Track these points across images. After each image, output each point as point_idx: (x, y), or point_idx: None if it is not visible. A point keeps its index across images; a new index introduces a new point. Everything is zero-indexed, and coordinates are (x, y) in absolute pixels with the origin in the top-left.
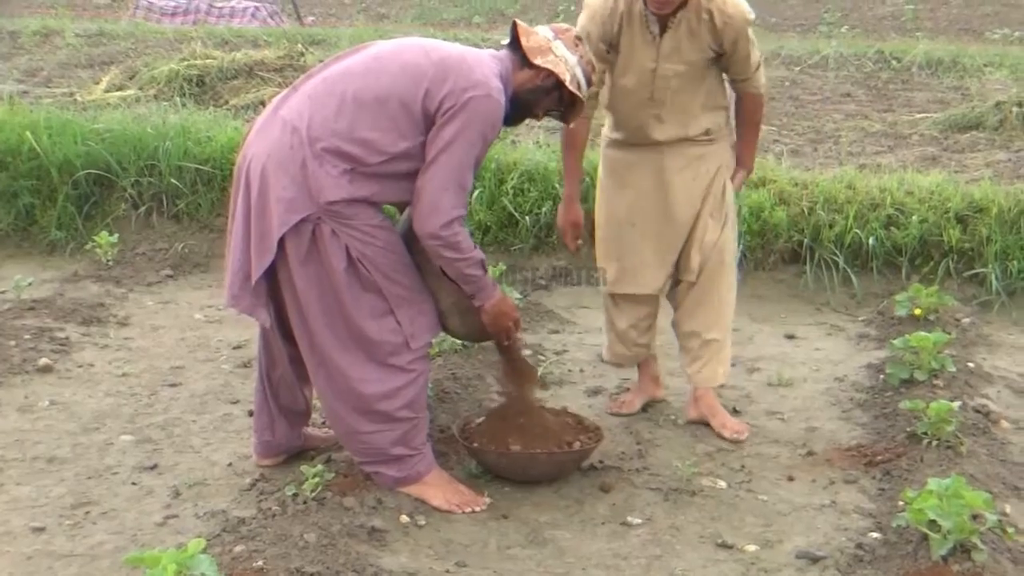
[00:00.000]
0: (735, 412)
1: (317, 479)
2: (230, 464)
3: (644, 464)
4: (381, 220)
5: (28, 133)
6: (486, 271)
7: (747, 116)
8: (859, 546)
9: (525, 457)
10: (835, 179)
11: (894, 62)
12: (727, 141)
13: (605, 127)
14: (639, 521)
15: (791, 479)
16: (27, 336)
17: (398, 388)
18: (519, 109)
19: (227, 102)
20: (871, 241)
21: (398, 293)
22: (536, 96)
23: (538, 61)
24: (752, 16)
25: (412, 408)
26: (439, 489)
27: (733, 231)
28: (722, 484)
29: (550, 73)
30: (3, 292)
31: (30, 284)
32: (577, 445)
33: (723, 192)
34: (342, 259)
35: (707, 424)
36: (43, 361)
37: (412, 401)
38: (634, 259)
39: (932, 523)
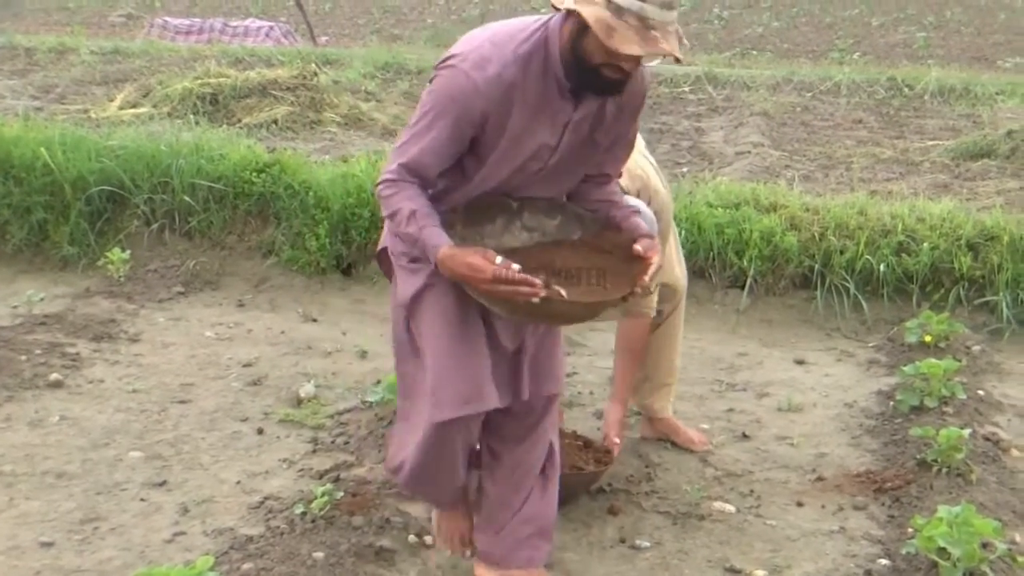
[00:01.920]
0: (744, 437)
1: (326, 498)
2: (239, 482)
3: (653, 487)
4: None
5: (42, 149)
6: (423, 226)
7: (624, 341)
8: (868, 573)
9: None
10: (846, 205)
11: (906, 89)
12: None
13: None
14: (647, 544)
15: (800, 504)
16: (38, 351)
17: (413, 448)
18: (579, 73)
19: (240, 120)
20: (882, 267)
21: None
22: (577, 47)
23: (567, 4)
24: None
25: (420, 477)
26: (444, 530)
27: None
28: (731, 508)
29: (569, 12)
30: (15, 307)
31: (42, 299)
32: (588, 468)
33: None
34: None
35: (671, 441)
36: (54, 376)
37: (425, 468)
38: None
39: (942, 551)
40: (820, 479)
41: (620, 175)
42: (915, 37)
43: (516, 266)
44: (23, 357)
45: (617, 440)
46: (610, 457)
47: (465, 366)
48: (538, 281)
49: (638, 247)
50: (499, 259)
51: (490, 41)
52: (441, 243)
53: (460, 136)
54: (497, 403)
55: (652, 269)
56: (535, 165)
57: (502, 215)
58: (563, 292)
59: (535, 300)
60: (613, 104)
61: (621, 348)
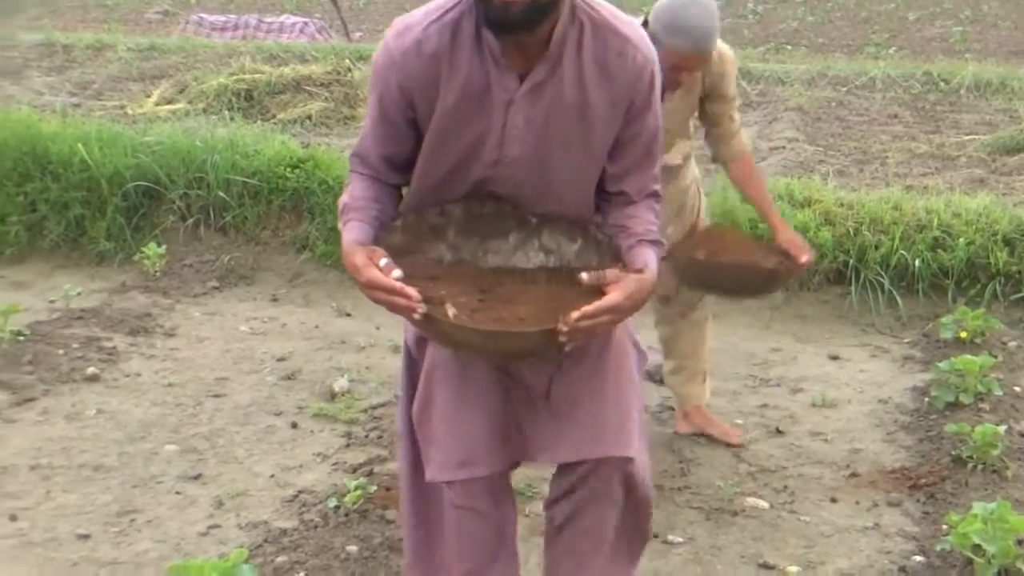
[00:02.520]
0: (778, 432)
1: (359, 491)
2: (272, 475)
3: (686, 483)
4: None
5: (80, 145)
6: (346, 220)
7: (743, 179)
8: (902, 569)
9: (713, 267)
10: (881, 200)
11: (942, 84)
12: None
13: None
14: (680, 540)
15: (834, 501)
16: (75, 345)
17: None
18: (480, 13)
19: (274, 116)
20: (917, 263)
21: (418, 402)
22: None
23: None
24: None
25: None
26: None
27: None
28: (764, 504)
29: None
30: (53, 301)
31: (79, 294)
32: (768, 266)
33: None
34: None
35: (707, 435)
36: (91, 370)
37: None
38: None
39: (977, 547)
40: (854, 475)
41: (651, 195)
42: (952, 31)
43: (398, 272)
44: (60, 351)
45: (807, 257)
46: (795, 265)
47: (458, 424)
48: (414, 293)
49: (584, 276)
50: (384, 260)
51: (423, 9)
52: (351, 238)
53: (386, 117)
54: (487, 469)
55: (594, 307)
56: (488, 155)
57: (518, 231)
58: (451, 311)
59: (415, 317)
60: (600, 93)
61: (746, 185)
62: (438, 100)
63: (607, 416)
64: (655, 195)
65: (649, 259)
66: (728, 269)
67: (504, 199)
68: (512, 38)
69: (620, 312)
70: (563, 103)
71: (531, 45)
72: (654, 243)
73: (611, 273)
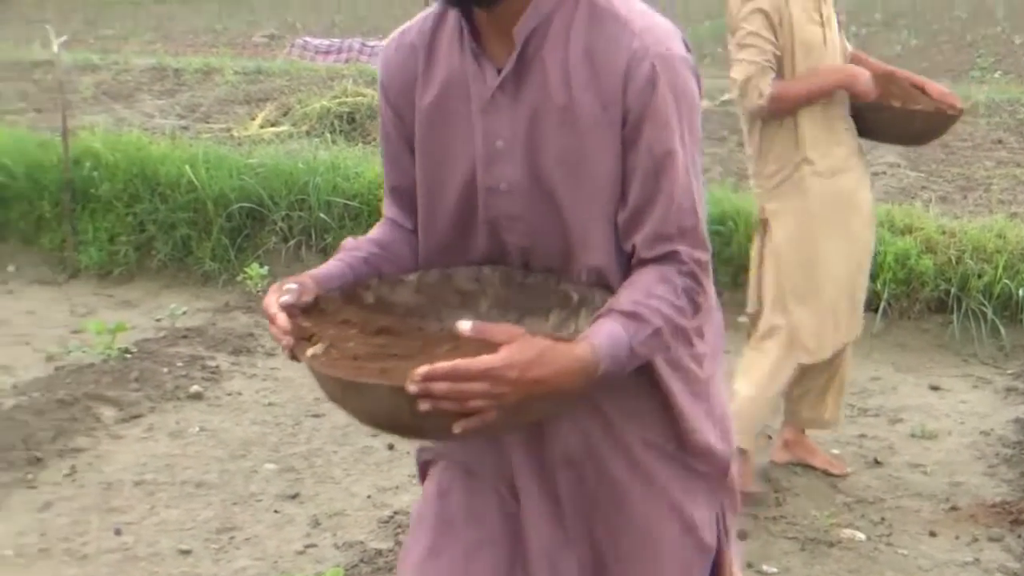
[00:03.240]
0: (876, 463)
1: None
2: (369, 496)
3: (781, 512)
4: None
5: (187, 167)
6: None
7: None
8: None
9: (906, 114)
10: (984, 228)
11: None
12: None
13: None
14: (775, 570)
15: (933, 534)
16: (180, 364)
17: None
18: None
19: (375, 139)
20: (1021, 292)
21: None
22: None
23: None
24: None
25: None
26: None
27: None
28: (861, 536)
29: None
30: (159, 320)
31: (184, 313)
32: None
33: None
34: None
35: (806, 464)
36: (194, 388)
37: None
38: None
39: None
40: (954, 509)
41: (668, 256)
42: None
43: (286, 297)
44: (165, 369)
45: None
46: (960, 110)
47: (410, 553)
48: (283, 323)
49: (462, 325)
50: (289, 286)
51: None
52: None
53: (385, 132)
54: None
55: (451, 365)
56: (483, 180)
57: (559, 310)
58: (310, 351)
59: (284, 353)
60: (588, 93)
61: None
62: (416, 107)
63: None
64: (675, 258)
65: (598, 333)
66: (920, 115)
67: (537, 264)
68: (471, 11)
69: (499, 382)
70: (551, 107)
71: (510, 28)
72: (631, 316)
73: (502, 329)
